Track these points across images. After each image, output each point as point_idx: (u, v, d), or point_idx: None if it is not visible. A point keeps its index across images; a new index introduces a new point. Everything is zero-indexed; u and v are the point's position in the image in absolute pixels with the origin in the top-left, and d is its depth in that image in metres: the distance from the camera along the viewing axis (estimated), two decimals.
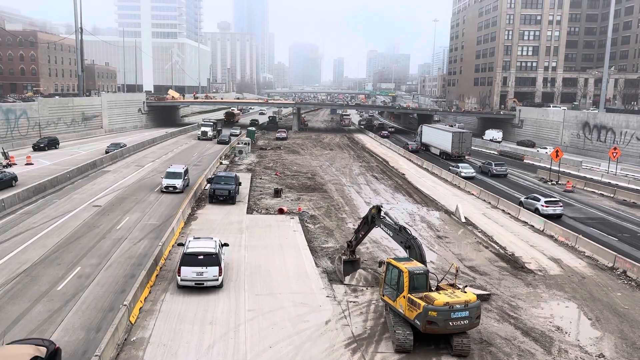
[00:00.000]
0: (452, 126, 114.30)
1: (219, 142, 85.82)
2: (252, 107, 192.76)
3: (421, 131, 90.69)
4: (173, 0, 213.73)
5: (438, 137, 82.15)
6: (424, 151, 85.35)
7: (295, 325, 21.85)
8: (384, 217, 25.33)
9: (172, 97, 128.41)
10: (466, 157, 76.42)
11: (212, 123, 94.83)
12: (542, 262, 31.56)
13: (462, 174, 59.83)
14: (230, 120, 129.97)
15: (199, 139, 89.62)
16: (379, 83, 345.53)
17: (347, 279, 27.12)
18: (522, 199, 46.95)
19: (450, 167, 63.34)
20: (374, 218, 25.95)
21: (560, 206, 43.51)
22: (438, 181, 59.75)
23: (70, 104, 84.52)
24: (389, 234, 24.92)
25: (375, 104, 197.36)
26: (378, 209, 25.94)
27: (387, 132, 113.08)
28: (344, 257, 27.85)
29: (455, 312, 19.19)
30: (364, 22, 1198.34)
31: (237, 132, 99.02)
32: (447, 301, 19.29)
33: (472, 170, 61.71)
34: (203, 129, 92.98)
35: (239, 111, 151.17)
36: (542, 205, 43.10)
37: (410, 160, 76.73)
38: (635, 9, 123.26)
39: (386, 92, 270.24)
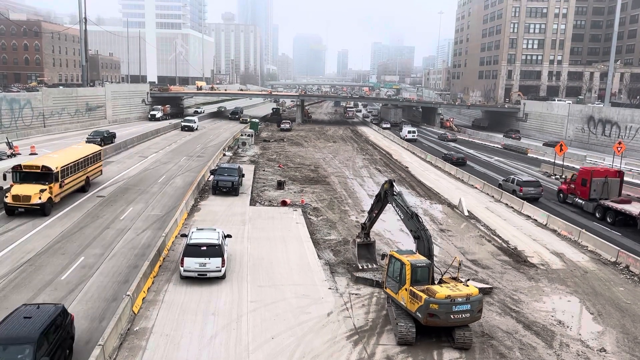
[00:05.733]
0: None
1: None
2: (200, 109, 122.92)
3: (380, 110, 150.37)
4: None
5: (386, 112, 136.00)
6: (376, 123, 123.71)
7: (297, 316, 21.94)
8: (397, 195, 23.94)
9: (199, 86, 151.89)
10: (399, 123, 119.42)
11: None
12: (545, 256, 31.54)
13: (383, 126, 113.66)
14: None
15: None
16: (383, 75, 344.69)
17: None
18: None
19: (374, 122, 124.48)
20: (386, 194, 24.53)
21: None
22: (441, 174, 59.67)
23: (74, 95, 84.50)
24: (400, 217, 23.71)
25: (379, 97, 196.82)
26: (391, 183, 24.49)
27: (389, 124, 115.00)
28: (358, 240, 27.29)
29: (457, 305, 19.20)
30: (368, 13, 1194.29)
31: None
32: (449, 294, 19.27)
33: (385, 125, 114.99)
34: None
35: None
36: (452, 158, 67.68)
37: (413, 153, 76.66)
38: None
39: (390, 84, 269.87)
